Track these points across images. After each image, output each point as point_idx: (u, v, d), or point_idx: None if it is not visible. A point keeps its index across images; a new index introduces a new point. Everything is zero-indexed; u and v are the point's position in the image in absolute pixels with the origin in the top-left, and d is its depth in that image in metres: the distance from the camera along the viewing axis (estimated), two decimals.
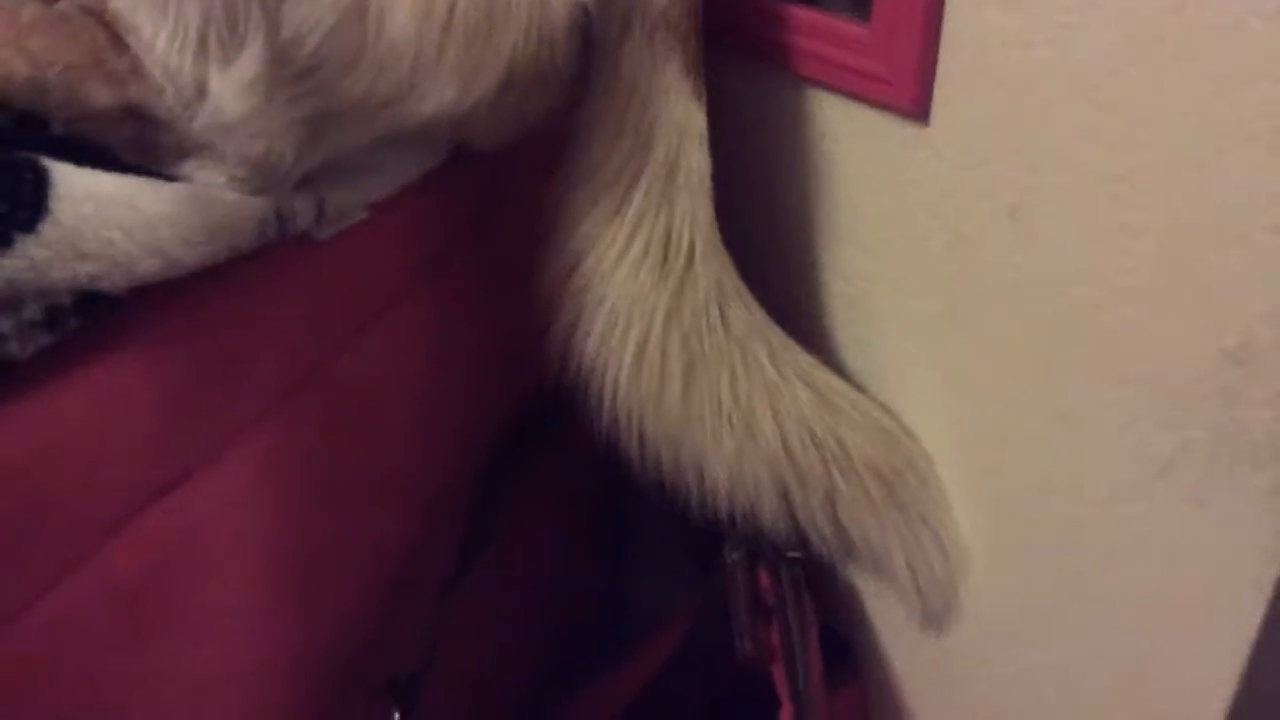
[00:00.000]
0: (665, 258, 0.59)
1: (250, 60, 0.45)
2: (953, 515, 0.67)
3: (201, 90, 0.45)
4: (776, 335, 0.65)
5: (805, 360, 0.66)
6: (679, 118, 0.56)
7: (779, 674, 0.73)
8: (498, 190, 0.64)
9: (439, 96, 0.50)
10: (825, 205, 0.67)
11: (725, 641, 0.75)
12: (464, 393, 0.66)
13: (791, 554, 0.73)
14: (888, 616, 0.78)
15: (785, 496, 0.65)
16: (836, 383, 0.66)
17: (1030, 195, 0.56)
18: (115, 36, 0.45)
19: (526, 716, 0.79)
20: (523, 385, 0.70)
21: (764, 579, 0.73)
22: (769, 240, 0.71)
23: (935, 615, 0.71)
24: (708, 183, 0.59)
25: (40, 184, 0.41)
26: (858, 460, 0.65)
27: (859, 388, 0.69)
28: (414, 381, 0.61)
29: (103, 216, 0.43)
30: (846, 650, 0.83)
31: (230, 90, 0.45)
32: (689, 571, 0.80)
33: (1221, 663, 0.57)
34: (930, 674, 0.77)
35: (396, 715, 0.60)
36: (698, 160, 0.58)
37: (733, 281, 0.63)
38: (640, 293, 0.59)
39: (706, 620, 0.77)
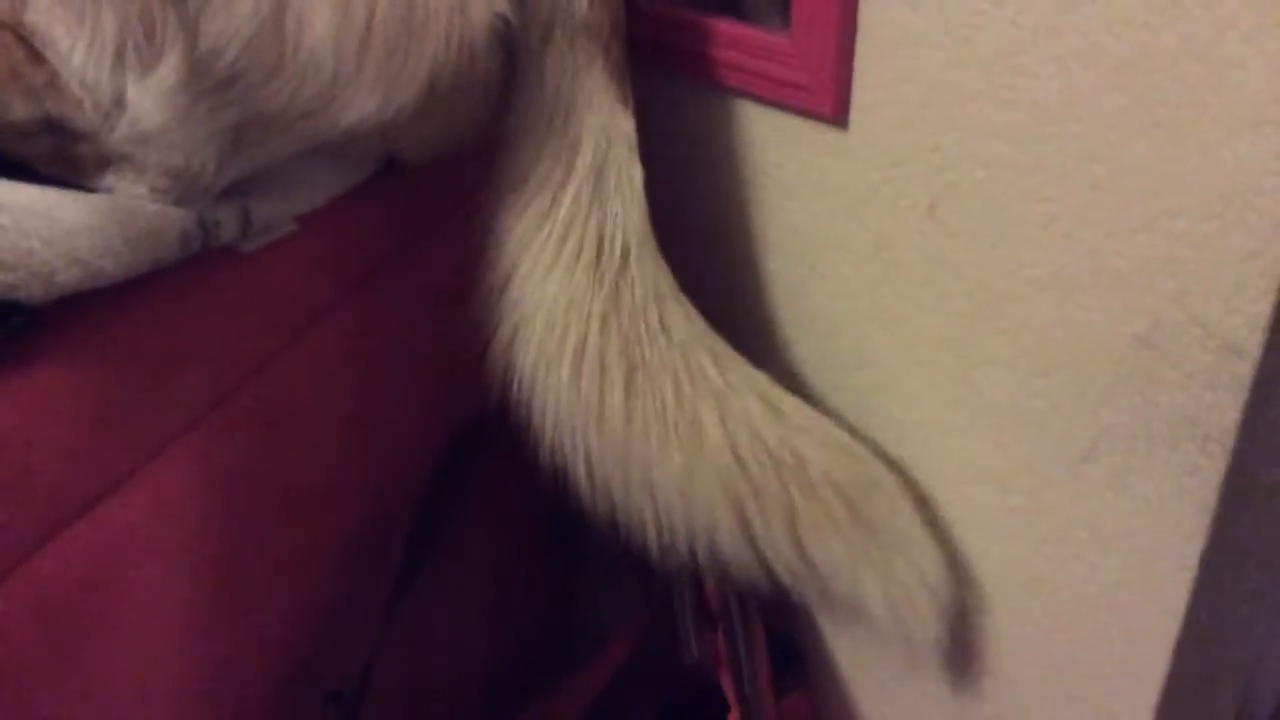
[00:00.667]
0: (599, 260, 0.58)
1: (168, 71, 0.45)
2: (930, 543, 0.64)
3: (120, 101, 0.46)
4: (720, 344, 0.63)
5: (754, 373, 0.64)
6: (604, 122, 0.57)
7: (726, 680, 0.74)
8: (429, 205, 0.64)
9: (360, 106, 0.50)
10: (755, 213, 0.68)
11: (674, 649, 0.75)
12: (399, 407, 0.66)
13: None
14: (834, 624, 0.79)
15: (742, 517, 0.62)
16: (789, 398, 0.64)
17: (946, 192, 0.57)
18: (31, 50, 0.45)
19: None
20: (462, 402, 0.70)
21: (709, 585, 0.74)
22: (703, 250, 0.72)
23: (920, 654, 0.68)
24: (639, 187, 0.59)
25: None
26: (816, 475, 0.62)
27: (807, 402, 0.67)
28: (346, 395, 0.61)
29: (21, 227, 0.43)
30: (796, 655, 0.83)
31: (149, 101, 0.46)
32: (635, 582, 0.80)
33: (1153, 642, 0.58)
34: (877, 675, 0.78)
35: None
36: (627, 164, 0.59)
37: (670, 287, 0.62)
38: (575, 296, 0.59)
39: (654, 629, 0.78)
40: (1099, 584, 0.59)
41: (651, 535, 0.62)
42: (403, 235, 0.62)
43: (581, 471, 0.61)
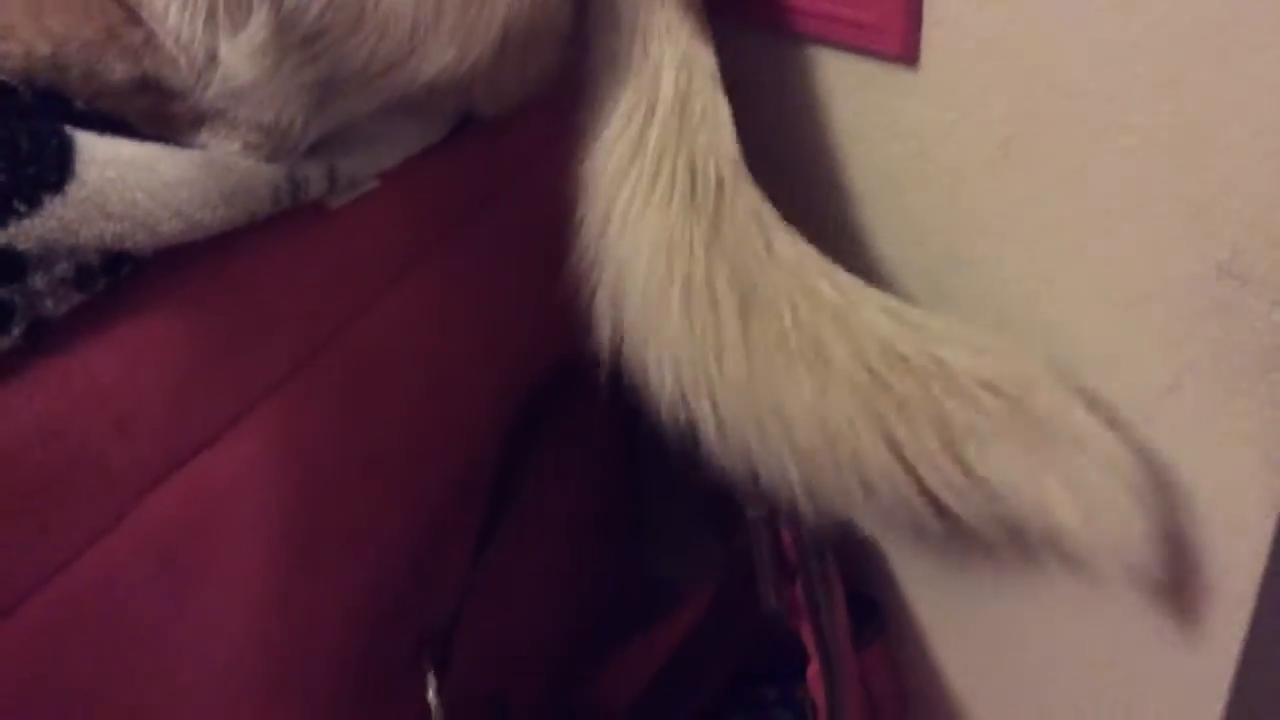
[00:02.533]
0: (694, 192, 0.57)
1: (258, 27, 0.47)
2: (1114, 434, 0.56)
3: (212, 58, 0.47)
4: (832, 266, 0.60)
5: (872, 290, 0.60)
6: (683, 53, 0.56)
7: (806, 630, 0.74)
8: (508, 158, 0.65)
9: (439, 58, 0.51)
10: (828, 159, 0.68)
11: (752, 601, 0.76)
12: (482, 362, 0.67)
13: None
14: (911, 573, 0.79)
15: (889, 436, 0.56)
16: (915, 310, 0.59)
17: (1022, 126, 0.57)
18: (129, 11, 0.47)
19: (557, 683, 0.80)
20: (545, 352, 0.71)
21: (786, 536, 0.74)
22: (773, 198, 0.72)
23: (1121, 566, 0.58)
24: (727, 118, 0.58)
25: (64, 149, 0.43)
26: (965, 378, 0.56)
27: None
28: (430, 350, 0.62)
29: (126, 180, 0.44)
30: (873, 609, 0.84)
31: (240, 57, 0.47)
32: (711, 536, 0.81)
33: (1240, 574, 0.58)
34: (957, 625, 0.78)
35: (431, 675, 0.61)
36: (711, 96, 0.58)
37: (771, 214, 0.60)
38: (676, 230, 0.57)
39: (732, 581, 0.79)
40: (1185, 518, 0.59)
41: (793, 484, 0.58)
42: (483, 189, 0.64)
43: (709, 419, 0.58)
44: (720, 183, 0.57)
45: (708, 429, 0.58)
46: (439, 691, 0.60)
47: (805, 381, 0.57)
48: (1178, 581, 0.61)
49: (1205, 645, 0.62)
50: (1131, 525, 0.56)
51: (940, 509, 0.57)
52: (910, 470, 0.57)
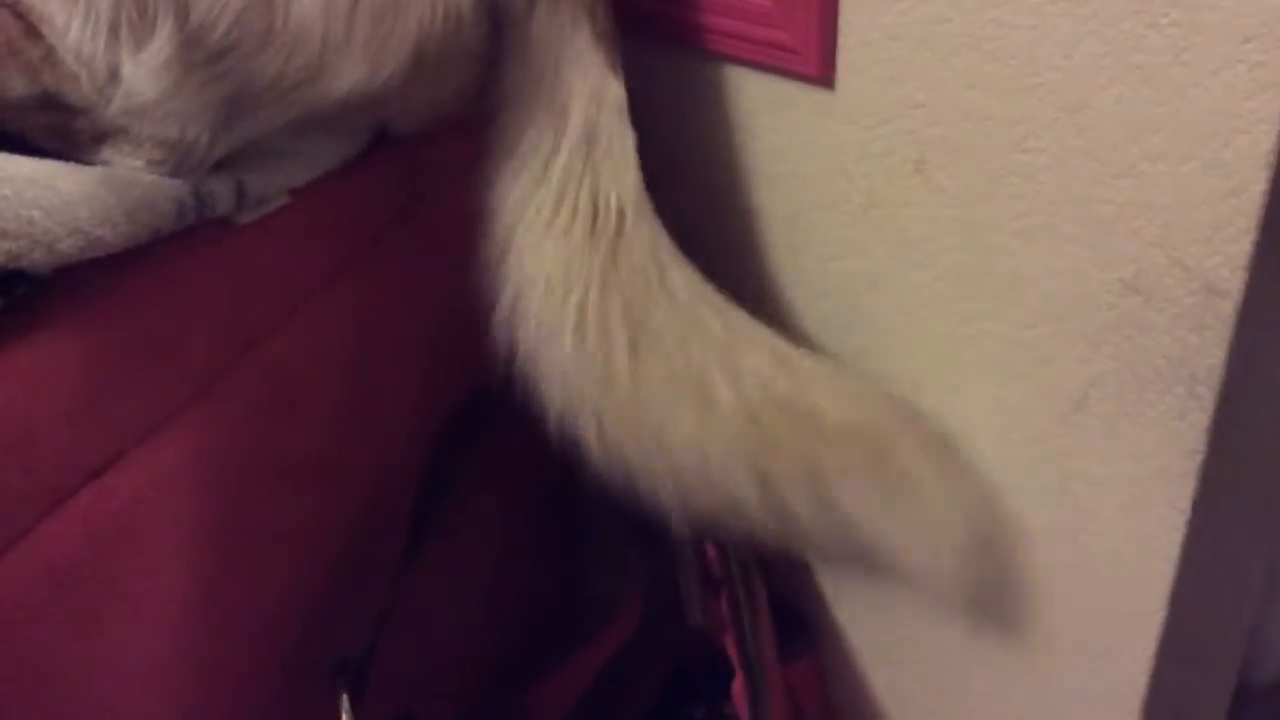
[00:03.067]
0: (594, 223, 0.58)
1: (162, 44, 0.46)
2: (961, 479, 0.62)
3: (115, 75, 0.47)
4: (724, 303, 0.62)
5: (760, 328, 0.63)
6: (593, 86, 0.57)
7: (730, 644, 0.74)
8: (423, 175, 0.65)
9: (350, 75, 0.51)
10: (746, 177, 0.69)
11: (679, 617, 0.76)
12: (403, 378, 0.67)
13: None
14: (838, 588, 0.80)
15: (760, 474, 0.60)
16: (797, 351, 0.63)
17: (933, 147, 0.58)
18: (29, 26, 0.46)
19: (483, 703, 0.80)
20: (466, 373, 0.71)
21: (710, 552, 0.75)
22: (696, 216, 0.73)
23: (962, 603, 0.65)
24: (632, 151, 0.60)
25: None
26: (834, 424, 0.60)
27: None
28: (348, 366, 0.62)
29: (22, 197, 0.44)
30: (800, 623, 0.84)
31: (143, 74, 0.47)
32: (638, 551, 0.81)
33: (1150, 589, 0.59)
34: (883, 639, 0.79)
35: (345, 698, 0.60)
36: (618, 128, 0.59)
37: (670, 249, 0.61)
38: (574, 260, 0.58)
39: (659, 598, 0.79)
40: (1094, 532, 0.60)
41: (667, 498, 0.61)
42: (397, 207, 0.63)
43: (593, 439, 0.60)
44: (621, 215, 0.59)
45: (591, 447, 0.60)
46: (352, 713, 0.59)
47: (688, 417, 0.59)
48: (1088, 596, 0.62)
49: (1118, 659, 0.63)
50: (960, 561, 0.61)
51: (803, 535, 0.61)
52: (778, 500, 0.60)
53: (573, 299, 0.59)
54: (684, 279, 0.61)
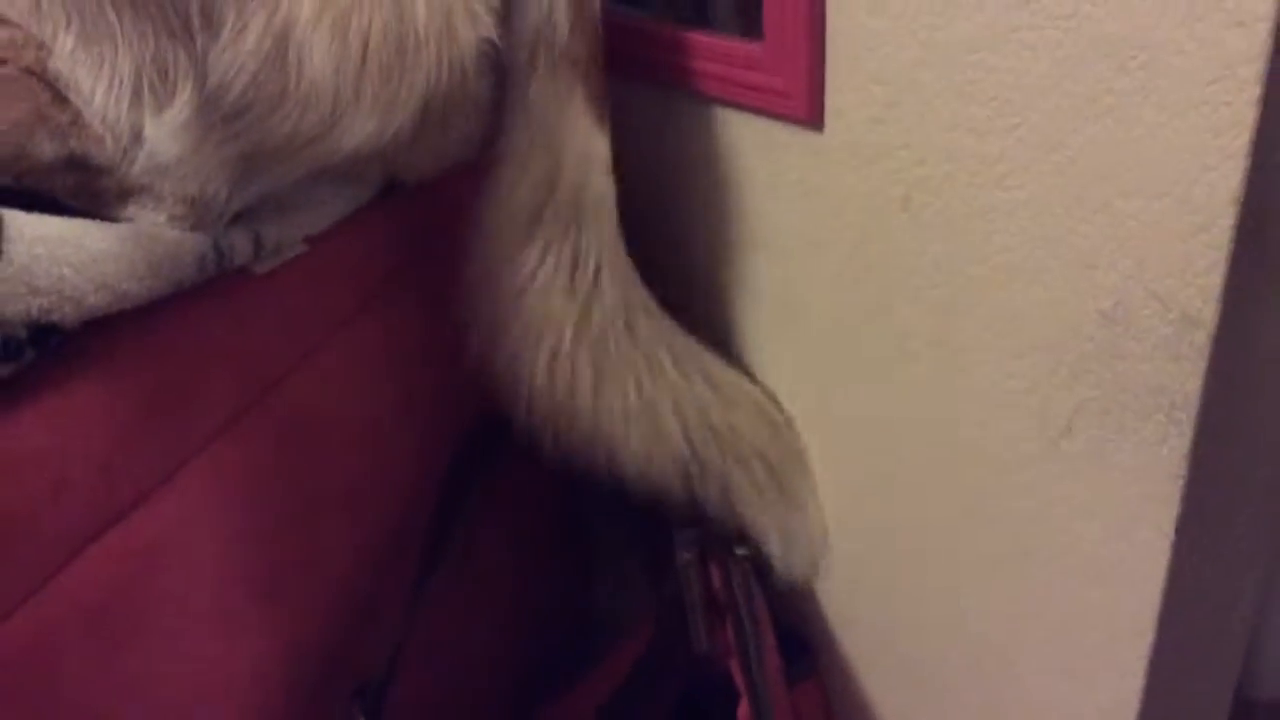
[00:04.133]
0: (573, 279, 0.64)
1: (181, 106, 0.49)
2: (818, 504, 0.77)
3: (138, 136, 0.49)
4: (680, 339, 0.71)
5: (706, 359, 0.72)
6: (583, 147, 0.61)
7: (736, 668, 0.76)
8: (430, 221, 0.68)
9: (360, 130, 0.54)
10: (740, 216, 0.72)
11: (686, 642, 0.78)
12: (415, 412, 0.69)
13: (740, 551, 0.77)
14: (840, 612, 0.82)
15: (688, 485, 0.73)
16: (731, 375, 0.74)
17: (919, 186, 0.60)
18: (56, 93, 0.49)
19: None
20: (474, 404, 0.73)
21: (716, 577, 0.77)
22: (690, 254, 0.75)
23: (798, 585, 0.81)
24: (611, 207, 0.64)
25: None
26: (749, 448, 0.73)
27: (751, 379, 0.76)
28: (363, 402, 0.64)
29: (53, 255, 0.46)
30: (806, 648, 0.86)
31: (164, 135, 0.49)
32: (645, 578, 0.83)
33: (1138, 613, 0.61)
34: (885, 661, 0.80)
35: None
36: (602, 186, 0.63)
37: (639, 296, 0.68)
38: (550, 310, 0.64)
39: (667, 622, 0.81)
40: (1082, 556, 0.62)
41: (599, 482, 0.71)
42: (407, 250, 0.66)
43: (549, 445, 0.69)
44: (597, 271, 0.65)
45: (548, 451, 0.69)
46: None
47: (635, 444, 0.69)
48: (1077, 619, 0.64)
49: (1108, 681, 0.64)
50: (806, 564, 0.78)
51: (702, 517, 0.75)
52: (695, 502, 0.74)
53: (545, 346, 0.66)
54: (647, 322, 0.69)
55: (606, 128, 0.62)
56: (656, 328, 0.69)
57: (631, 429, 0.69)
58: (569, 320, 0.65)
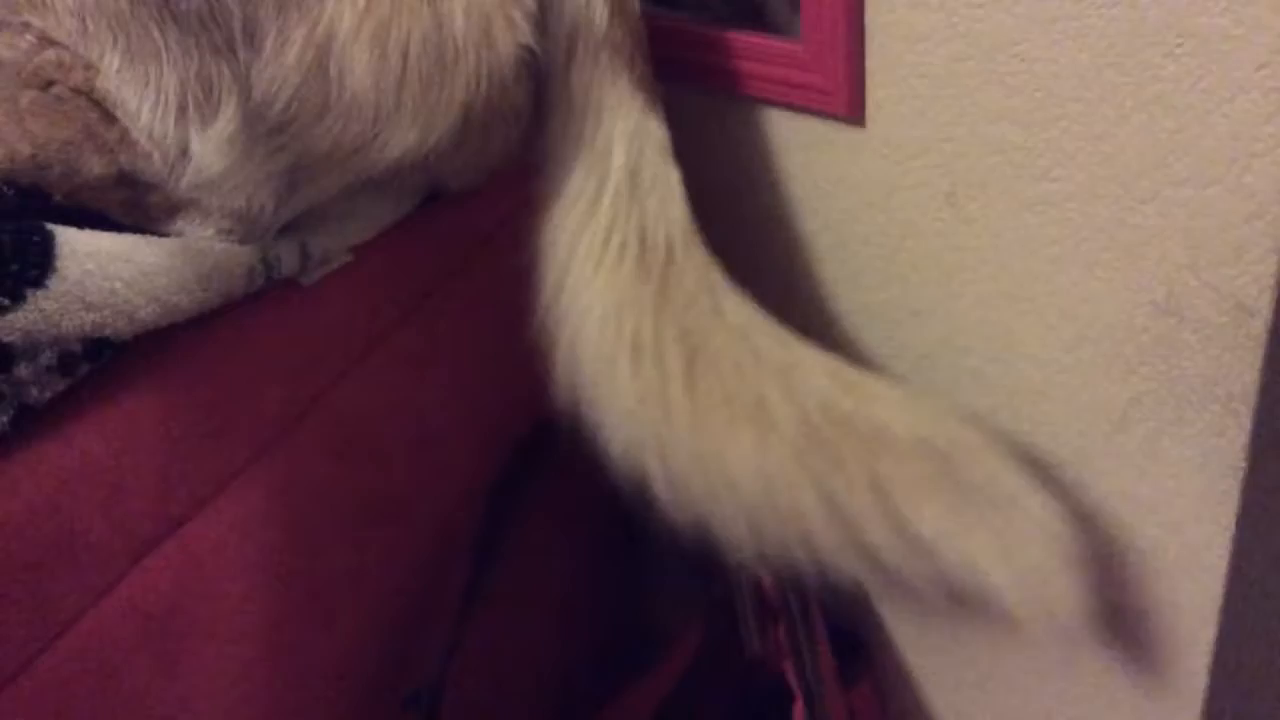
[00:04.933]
0: (643, 254, 0.60)
1: (226, 121, 0.50)
2: (1043, 491, 0.57)
3: (185, 152, 0.50)
4: (778, 328, 0.62)
5: (816, 351, 0.61)
6: (634, 127, 0.60)
7: (790, 670, 0.76)
8: (474, 228, 0.68)
9: (402, 140, 0.54)
10: (785, 214, 0.71)
11: (738, 645, 0.78)
12: (465, 420, 0.70)
13: None
14: (895, 611, 0.81)
15: (826, 493, 0.57)
16: (856, 371, 0.61)
17: (963, 179, 0.59)
18: (104, 112, 0.50)
19: None
20: (524, 409, 0.74)
21: (767, 580, 0.76)
22: (738, 254, 0.75)
23: (1044, 626, 0.58)
24: (677, 185, 0.62)
25: (47, 246, 0.46)
26: (899, 439, 0.57)
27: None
28: (413, 409, 0.65)
29: (105, 271, 0.47)
30: (859, 647, 0.85)
31: (210, 150, 0.50)
32: (697, 581, 0.82)
33: (1199, 607, 0.60)
34: (941, 660, 0.79)
35: None
36: (662, 166, 0.61)
37: (720, 278, 0.62)
38: (626, 291, 0.60)
39: (719, 625, 0.80)
40: (1141, 551, 0.61)
41: (737, 532, 0.60)
42: (452, 258, 0.66)
43: (658, 471, 0.60)
44: (670, 248, 0.60)
45: (658, 483, 0.60)
46: None
47: (747, 438, 0.58)
48: (1139, 615, 0.63)
49: (1172, 679, 0.63)
50: (1059, 588, 0.56)
51: (877, 562, 0.58)
52: (847, 524, 0.58)
53: (627, 329, 0.60)
54: (736, 306, 0.61)
55: (660, 113, 0.61)
56: (748, 313, 0.61)
57: (738, 419, 0.58)
58: (648, 299, 0.59)
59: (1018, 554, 0.56)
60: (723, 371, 0.59)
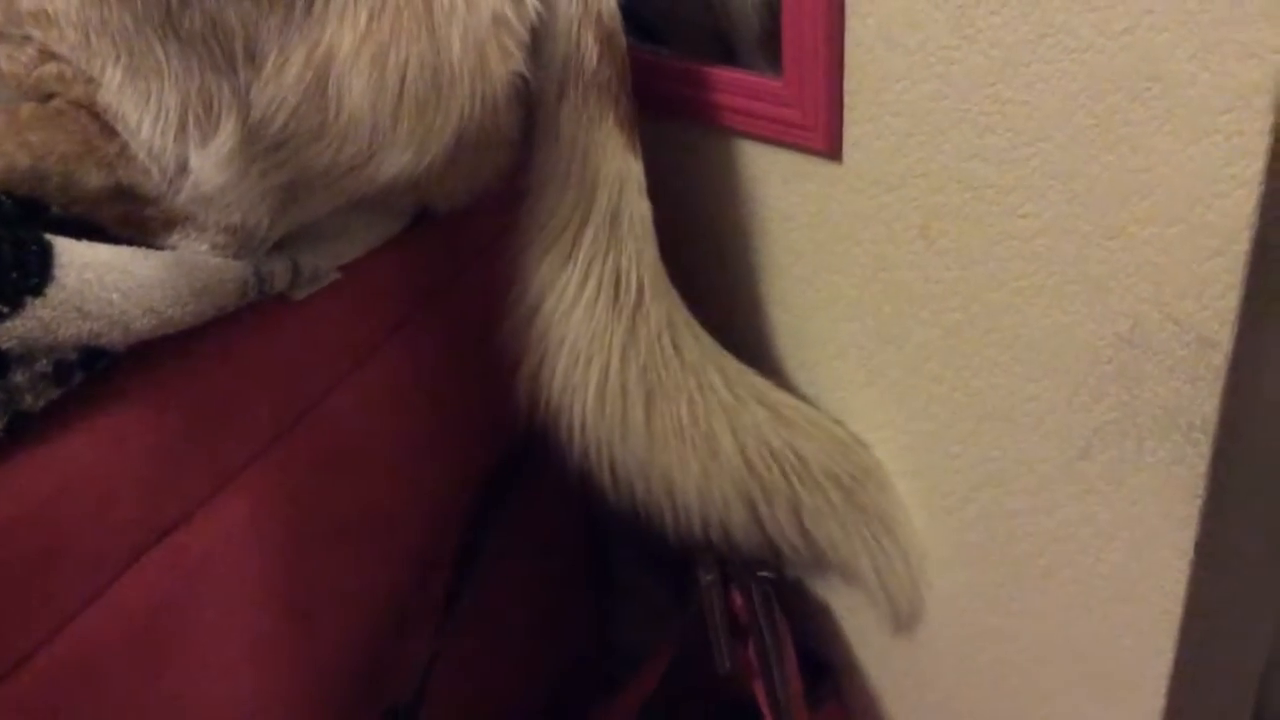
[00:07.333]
0: (616, 296, 0.65)
1: (225, 138, 0.51)
2: (911, 519, 0.73)
3: (183, 167, 0.51)
4: (729, 361, 0.71)
5: (758, 382, 0.71)
6: (617, 168, 0.62)
7: (759, 689, 0.77)
8: (461, 249, 0.69)
9: (397, 161, 0.55)
10: (760, 243, 0.73)
11: (707, 664, 0.78)
12: (446, 436, 0.71)
13: (761, 573, 0.77)
14: (861, 633, 0.82)
15: (753, 511, 0.71)
16: (789, 399, 0.72)
17: (936, 214, 0.62)
18: (105, 125, 0.51)
19: None
20: (504, 429, 0.75)
21: (737, 599, 0.77)
22: (713, 281, 0.77)
23: (902, 617, 0.77)
24: (650, 226, 0.65)
25: (45, 255, 0.47)
26: (816, 470, 0.71)
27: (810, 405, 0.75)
28: (396, 426, 0.66)
29: (102, 281, 0.48)
30: (826, 669, 0.86)
31: (209, 166, 0.51)
32: (667, 600, 0.83)
33: (1159, 629, 0.62)
34: (906, 682, 0.81)
35: None
36: (638, 206, 0.64)
37: (682, 315, 0.68)
38: (597, 329, 0.65)
39: (689, 644, 0.81)
40: (1103, 575, 0.63)
41: (669, 523, 0.71)
42: (438, 278, 0.68)
43: (607, 477, 0.68)
44: (640, 289, 0.65)
45: (603, 479, 0.69)
46: None
47: (693, 466, 0.69)
48: (1099, 637, 0.64)
49: (1130, 700, 0.65)
50: (907, 589, 0.74)
51: (777, 553, 0.74)
52: (762, 531, 0.72)
53: (594, 367, 0.66)
54: (694, 343, 0.69)
55: (639, 150, 0.64)
56: (704, 349, 0.69)
57: (687, 450, 0.68)
58: (616, 339, 0.65)
59: (882, 563, 0.73)
60: (678, 408, 0.68)
